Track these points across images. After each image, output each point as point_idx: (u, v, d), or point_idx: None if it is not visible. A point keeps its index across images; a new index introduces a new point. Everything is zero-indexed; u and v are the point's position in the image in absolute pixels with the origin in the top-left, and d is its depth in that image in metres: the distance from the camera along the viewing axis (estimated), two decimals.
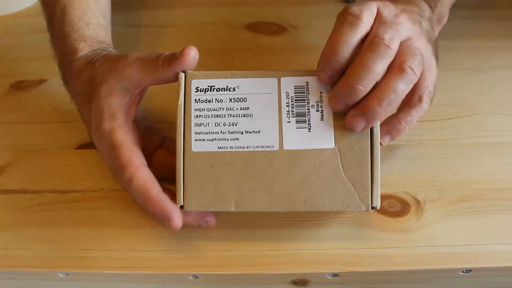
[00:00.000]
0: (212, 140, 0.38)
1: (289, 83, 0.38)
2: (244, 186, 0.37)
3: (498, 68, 0.52)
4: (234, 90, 0.38)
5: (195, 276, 0.40)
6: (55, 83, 0.53)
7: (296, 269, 0.39)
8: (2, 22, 0.59)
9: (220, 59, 0.54)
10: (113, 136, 0.39)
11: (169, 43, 0.56)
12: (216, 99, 0.38)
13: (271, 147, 0.37)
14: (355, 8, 0.36)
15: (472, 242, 0.40)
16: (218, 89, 0.38)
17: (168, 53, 0.39)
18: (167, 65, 0.38)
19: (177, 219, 0.37)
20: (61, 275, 0.40)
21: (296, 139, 0.37)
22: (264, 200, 0.37)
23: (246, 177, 0.37)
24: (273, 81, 0.38)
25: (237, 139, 0.38)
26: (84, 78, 0.42)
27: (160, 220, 0.38)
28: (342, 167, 0.37)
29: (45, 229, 0.42)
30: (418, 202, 0.43)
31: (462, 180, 0.44)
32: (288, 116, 0.38)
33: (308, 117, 0.37)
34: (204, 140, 0.38)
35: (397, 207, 0.43)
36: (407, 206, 0.43)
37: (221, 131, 0.38)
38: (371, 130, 0.37)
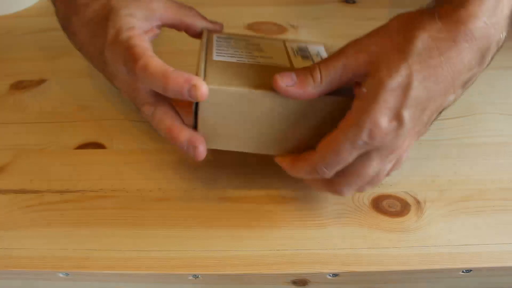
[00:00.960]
0: (231, 56, 0.42)
1: (292, 44, 0.46)
2: (262, 82, 0.38)
3: (498, 68, 0.52)
4: (249, 40, 0.46)
5: (195, 276, 0.40)
6: (55, 83, 0.53)
7: (296, 269, 0.39)
8: (2, 22, 0.59)
9: None
10: (130, 40, 0.39)
11: (170, 43, 0.56)
12: (234, 42, 0.45)
13: (284, 65, 0.42)
14: (364, 135, 0.34)
15: (472, 242, 0.40)
16: (236, 38, 0.46)
17: None
18: (199, 16, 0.46)
19: (204, 86, 0.36)
20: (61, 275, 0.40)
21: (305, 65, 0.39)
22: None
23: (262, 79, 0.39)
24: (279, 41, 0.46)
25: (254, 59, 0.42)
26: (96, 7, 0.43)
27: (185, 90, 0.36)
28: None
29: (45, 229, 0.42)
30: (418, 202, 0.43)
31: (462, 180, 0.44)
32: (295, 55, 0.44)
33: (311, 58, 0.44)
34: (224, 56, 0.42)
35: (397, 207, 0.43)
36: (407, 206, 0.43)
37: (239, 55, 0.42)
38: None
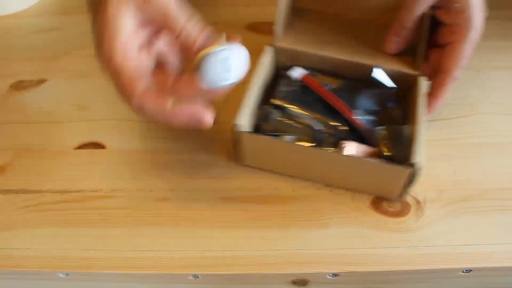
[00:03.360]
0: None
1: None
2: None
3: (498, 68, 0.52)
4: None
5: (195, 276, 0.40)
6: (55, 83, 0.53)
7: (296, 269, 0.39)
8: (2, 22, 0.59)
9: None
10: (112, 61, 0.36)
11: None
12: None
13: None
14: None
15: (472, 242, 0.40)
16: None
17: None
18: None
19: (208, 115, 0.36)
20: (61, 275, 0.40)
21: None
22: None
23: None
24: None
25: None
26: None
27: (191, 125, 0.36)
28: None
29: (45, 229, 0.42)
30: (418, 202, 0.43)
31: (462, 180, 0.44)
32: None
33: None
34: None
35: (397, 207, 0.43)
36: (407, 206, 0.43)
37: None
38: None
